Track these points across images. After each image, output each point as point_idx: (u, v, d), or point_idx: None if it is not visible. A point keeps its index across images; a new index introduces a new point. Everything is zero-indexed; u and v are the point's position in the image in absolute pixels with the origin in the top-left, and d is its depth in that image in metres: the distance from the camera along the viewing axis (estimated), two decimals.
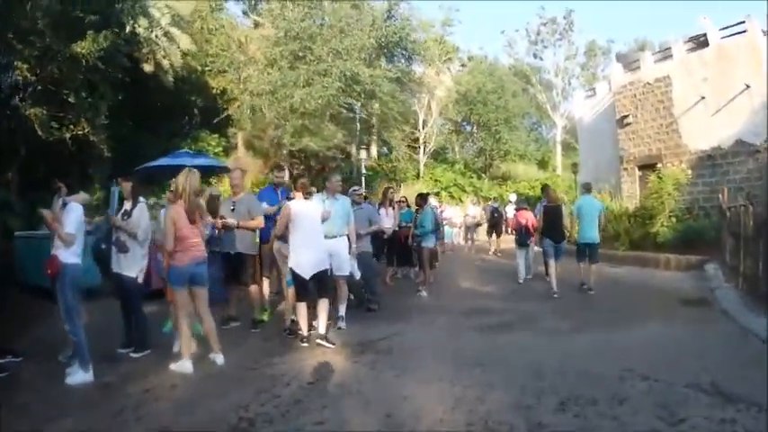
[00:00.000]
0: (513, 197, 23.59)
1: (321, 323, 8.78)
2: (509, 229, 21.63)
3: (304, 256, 8.76)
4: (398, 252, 15.10)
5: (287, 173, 11.41)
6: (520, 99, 49.99)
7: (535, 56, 51.66)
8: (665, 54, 23.95)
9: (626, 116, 24.55)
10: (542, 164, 54.65)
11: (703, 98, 21.41)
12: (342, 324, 9.90)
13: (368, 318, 10.83)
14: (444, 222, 23.51)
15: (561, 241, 13.55)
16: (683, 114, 22.34)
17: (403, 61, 30.92)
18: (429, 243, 13.56)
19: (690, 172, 20.34)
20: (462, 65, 50.80)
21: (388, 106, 30.29)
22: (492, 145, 46.83)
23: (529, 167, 49.89)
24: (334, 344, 8.60)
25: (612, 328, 9.53)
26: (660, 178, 19.73)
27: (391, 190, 15.94)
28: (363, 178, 25.49)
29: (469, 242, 25.32)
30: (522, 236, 15.11)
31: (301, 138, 26.25)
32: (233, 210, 9.89)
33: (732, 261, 13.23)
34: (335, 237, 9.80)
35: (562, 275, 13.67)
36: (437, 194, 36.11)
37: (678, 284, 13.93)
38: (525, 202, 17.31)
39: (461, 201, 36.91)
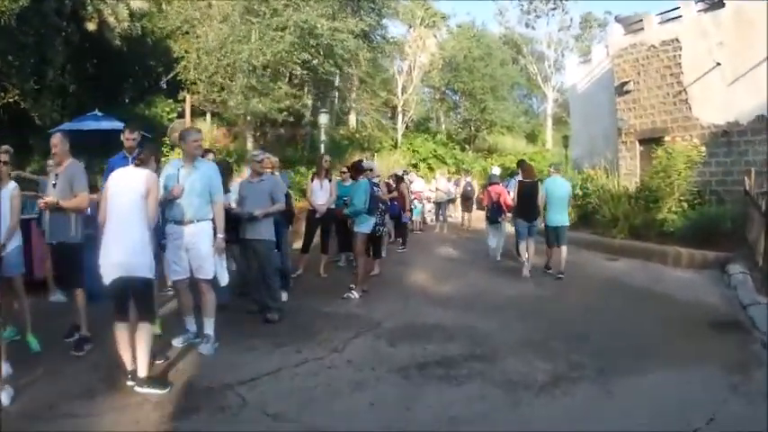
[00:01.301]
0: (496, 170, 19.90)
1: (140, 360, 5.50)
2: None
3: (106, 253, 5.52)
4: (339, 234, 11.98)
5: (138, 134, 7.76)
6: (509, 68, 46.04)
7: (527, 25, 47.92)
8: (672, 15, 20.08)
9: (626, 83, 20.78)
10: (531, 137, 51.03)
11: (719, 65, 17.65)
12: (205, 348, 6.67)
13: (257, 335, 7.36)
14: (413, 197, 20.05)
15: (534, 220, 12.29)
16: (694, 83, 18.55)
17: (372, 16, 26.33)
18: (363, 227, 9.94)
19: (703, 149, 16.54)
20: (450, 32, 46.70)
21: (359, 67, 26.22)
22: (476, 115, 42.92)
23: (517, 141, 46.59)
24: (164, 388, 5.51)
25: (612, 377, 5.98)
26: (669, 154, 16.02)
27: (325, 159, 12.37)
28: (322, 146, 21.50)
29: (441, 219, 21.78)
30: (494, 212, 13.91)
31: (249, 99, 22.32)
32: (54, 185, 6.62)
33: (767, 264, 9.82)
34: (192, 222, 6.61)
35: (534, 263, 12.25)
36: (414, 166, 32.80)
37: (696, 292, 10.21)
38: (500, 177, 16.42)
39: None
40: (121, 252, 5.37)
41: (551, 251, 12.27)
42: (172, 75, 25.02)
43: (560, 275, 11.64)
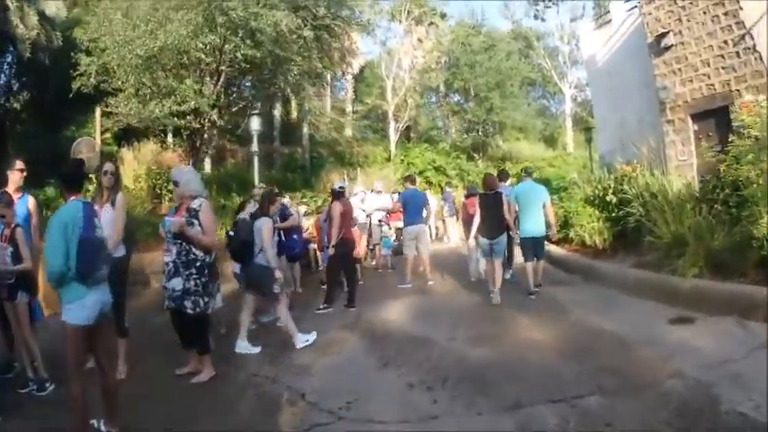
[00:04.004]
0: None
1: None
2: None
3: None
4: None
5: None
6: (516, 61, 39.36)
7: (536, 17, 41.10)
8: None
9: (664, 34, 14.06)
10: (550, 141, 44.93)
11: None
12: None
13: None
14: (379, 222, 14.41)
15: (497, 236, 9.81)
16: (760, 21, 12.07)
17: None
18: (73, 311, 4.40)
19: None
20: (448, 27, 40.57)
21: (306, 54, 19.65)
22: (482, 116, 36.19)
23: (534, 146, 40.81)
24: None
25: None
26: (754, 124, 9.09)
27: (105, 169, 6.23)
28: (256, 159, 14.88)
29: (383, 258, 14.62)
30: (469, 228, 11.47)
31: (146, 102, 16.35)
32: None
33: None
34: None
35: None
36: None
37: None
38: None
39: (441, 188, 27.30)
40: None
41: (530, 268, 10.07)
42: (77, 87, 18.67)
43: (536, 288, 9.90)
